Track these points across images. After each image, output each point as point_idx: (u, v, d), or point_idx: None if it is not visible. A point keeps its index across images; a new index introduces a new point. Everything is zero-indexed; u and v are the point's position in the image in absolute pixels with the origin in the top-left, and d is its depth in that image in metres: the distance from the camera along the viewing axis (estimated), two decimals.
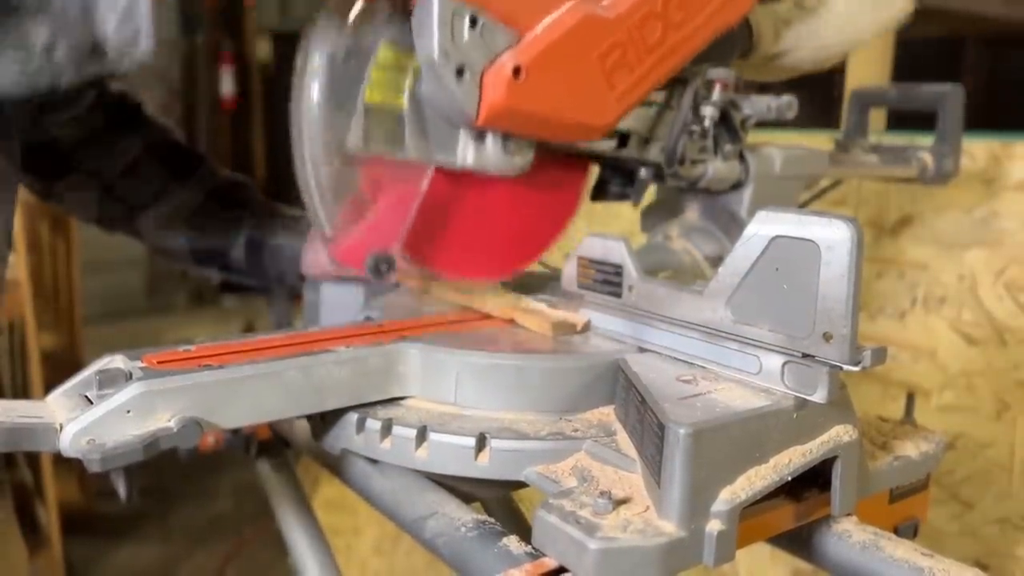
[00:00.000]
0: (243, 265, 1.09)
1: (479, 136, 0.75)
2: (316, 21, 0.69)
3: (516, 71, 0.69)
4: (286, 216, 1.09)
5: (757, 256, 0.61)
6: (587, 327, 0.78)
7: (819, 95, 1.88)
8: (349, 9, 0.69)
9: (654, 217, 1.02)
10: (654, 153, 0.87)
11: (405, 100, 0.73)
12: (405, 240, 0.74)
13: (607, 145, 0.82)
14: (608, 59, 0.74)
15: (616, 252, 0.75)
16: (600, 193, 0.94)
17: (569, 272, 0.81)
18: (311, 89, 0.69)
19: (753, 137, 0.95)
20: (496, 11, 0.68)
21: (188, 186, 1.08)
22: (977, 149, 1.36)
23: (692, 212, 0.98)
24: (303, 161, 0.70)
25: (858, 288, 0.56)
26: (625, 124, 0.82)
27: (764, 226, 0.60)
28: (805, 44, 0.94)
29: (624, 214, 1.71)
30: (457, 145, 0.76)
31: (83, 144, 1.04)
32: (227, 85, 5.80)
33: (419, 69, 0.71)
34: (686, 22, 0.78)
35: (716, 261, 0.93)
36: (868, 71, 1.70)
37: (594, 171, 0.92)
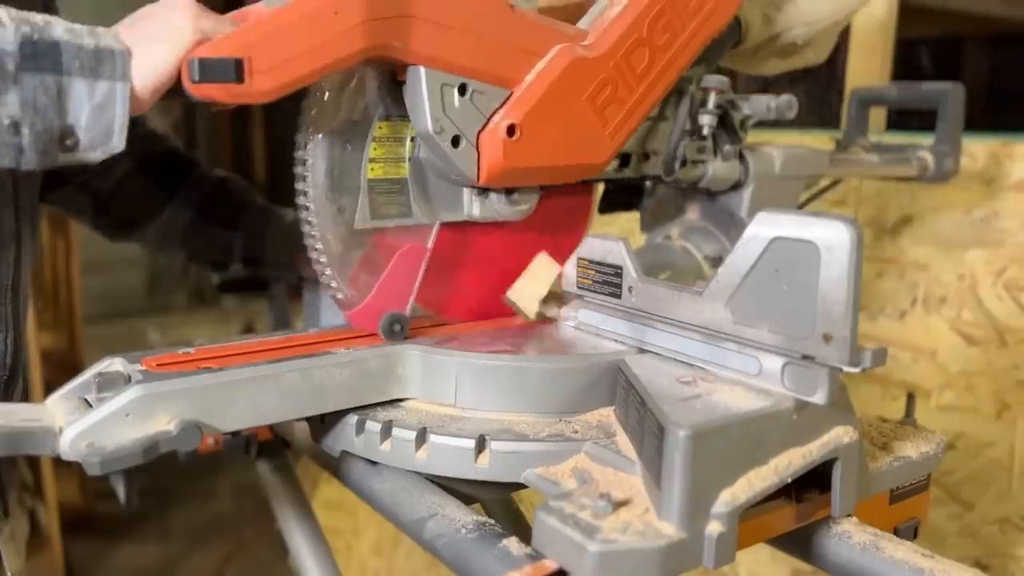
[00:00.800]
0: (243, 273, 1.10)
1: (483, 191, 0.77)
2: (310, 110, 0.70)
3: (510, 130, 0.71)
4: (280, 219, 1.08)
5: (757, 257, 0.61)
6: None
7: (819, 94, 1.88)
8: (342, 89, 0.70)
9: (654, 217, 1.01)
10: (654, 167, 0.87)
11: (407, 168, 0.75)
12: (417, 295, 0.75)
13: (610, 167, 0.83)
14: (599, 97, 0.75)
15: (616, 253, 0.75)
16: (608, 206, 0.95)
17: (569, 273, 0.81)
18: (315, 187, 0.70)
19: (753, 137, 0.95)
20: (483, 75, 0.70)
21: (178, 202, 1.08)
22: (977, 149, 1.36)
23: (692, 212, 0.98)
24: (311, 234, 0.72)
25: (858, 289, 0.55)
26: (624, 147, 0.82)
27: (764, 227, 0.60)
28: (796, 21, 0.94)
29: (624, 214, 1.71)
30: (462, 202, 0.77)
31: None
32: None
33: (415, 135, 0.73)
34: (672, 41, 0.79)
35: (716, 261, 0.93)
36: (868, 70, 1.70)
37: (599, 189, 0.93)
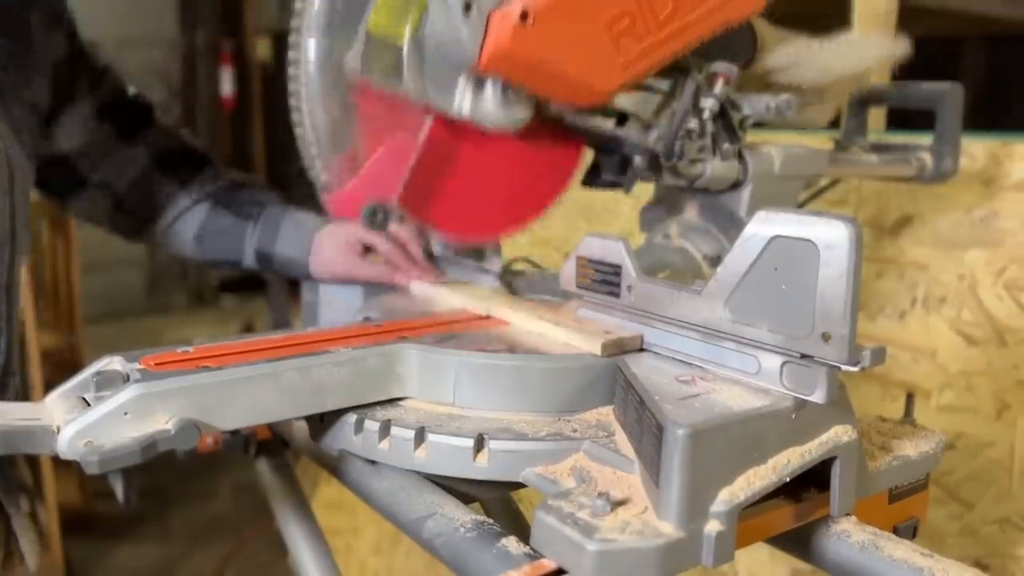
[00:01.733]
0: (255, 269, 1.10)
1: (478, 84, 0.74)
2: None
3: (524, 15, 0.68)
4: (291, 220, 1.08)
5: (756, 256, 0.61)
6: (640, 343, 0.74)
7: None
8: None
9: (653, 216, 1.01)
10: (652, 139, 0.86)
11: (407, 36, 0.72)
12: (402, 192, 0.73)
13: (606, 124, 0.82)
14: (617, 25, 0.74)
15: (615, 252, 0.75)
16: (593, 178, 0.93)
17: (568, 272, 0.81)
18: (309, 36, 0.68)
19: (753, 137, 0.94)
20: None
21: (193, 195, 1.08)
22: (977, 149, 1.36)
23: (691, 212, 0.98)
24: (300, 108, 0.69)
25: (857, 288, 0.55)
26: (625, 105, 0.81)
27: (763, 226, 0.60)
28: (807, 62, 0.94)
29: (624, 213, 1.71)
30: (455, 90, 0.75)
31: (91, 155, 1.05)
32: (227, 85, 5.79)
33: (426, 5, 0.71)
34: (696, 6, 0.78)
35: (715, 261, 0.93)
36: None
37: (588, 156, 0.91)
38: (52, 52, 0.95)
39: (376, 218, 0.70)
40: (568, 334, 0.75)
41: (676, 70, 0.84)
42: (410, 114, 0.74)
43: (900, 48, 1.04)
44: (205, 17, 5.81)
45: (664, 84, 0.85)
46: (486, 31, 0.69)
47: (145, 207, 1.09)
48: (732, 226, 0.93)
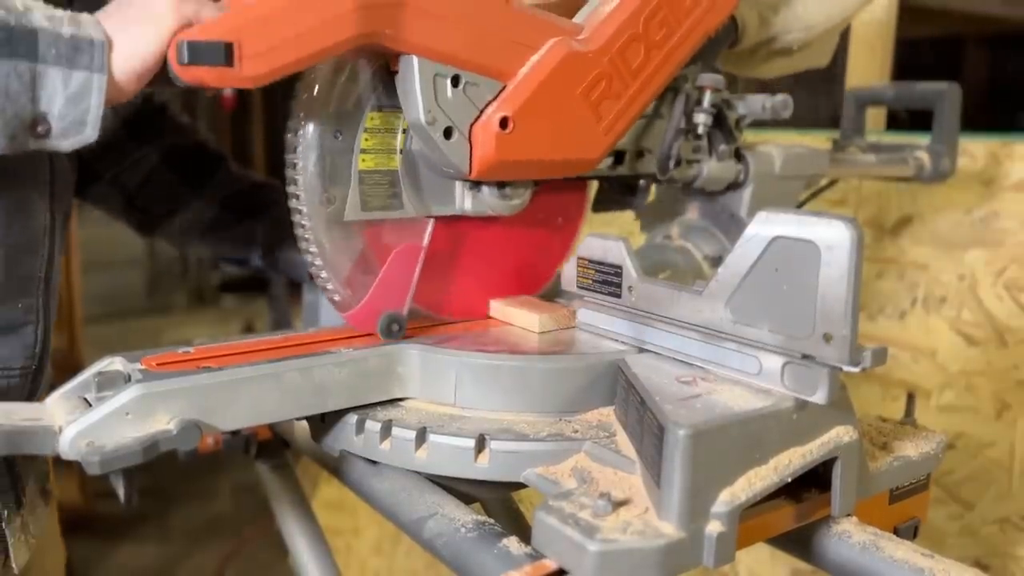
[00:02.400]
0: (263, 268, 1.10)
1: (475, 185, 0.76)
2: (301, 98, 0.70)
3: (503, 123, 0.70)
4: None
5: (757, 257, 0.61)
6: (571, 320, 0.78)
7: (821, 95, 1.88)
8: (334, 78, 0.70)
9: (654, 217, 1.01)
10: (649, 165, 0.87)
11: (398, 159, 0.74)
12: (415, 296, 0.75)
13: (604, 164, 0.83)
14: (593, 93, 0.75)
15: (616, 252, 0.75)
16: (602, 204, 0.94)
17: (569, 272, 0.81)
18: (305, 177, 0.70)
19: (753, 137, 0.94)
20: (477, 67, 0.69)
21: (203, 195, 1.08)
22: (977, 149, 1.36)
23: (692, 212, 0.98)
24: (304, 236, 0.72)
25: (858, 288, 0.55)
26: (618, 143, 0.81)
27: (764, 227, 0.60)
28: (793, 24, 0.94)
29: (624, 214, 1.71)
30: (454, 196, 0.77)
31: (105, 153, 1.05)
32: None
33: (406, 126, 0.73)
34: (668, 38, 0.79)
35: (716, 261, 0.93)
36: (868, 70, 1.70)
37: (594, 185, 0.92)
38: None
39: (392, 330, 0.72)
40: (520, 314, 0.79)
41: (664, 90, 0.84)
42: (412, 220, 0.76)
43: None
44: None
45: (651, 106, 0.85)
46: (471, 145, 0.71)
47: (156, 204, 1.09)
48: (733, 226, 0.93)
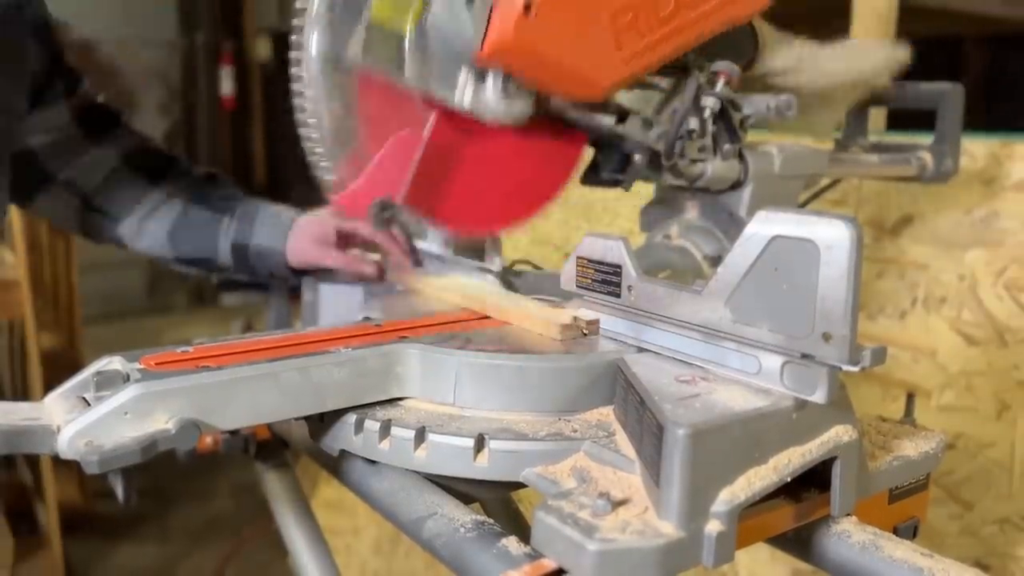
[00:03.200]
0: (231, 267, 1.09)
1: (480, 75, 0.74)
2: None
3: (527, 7, 0.68)
4: (267, 211, 1.08)
5: (756, 256, 0.61)
6: (595, 327, 0.78)
7: None
8: None
9: (653, 216, 1.01)
10: (653, 137, 0.86)
11: (410, 27, 0.72)
12: (407, 189, 0.73)
13: (606, 120, 0.82)
14: (620, 19, 0.74)
15: (615, 252, 0.75)
16: (592, 177, 0.93)
17: (569, 272, 0.81)
18: (311, 31, 0.68)
19: (753, 137, 0.94)
20: None
21: (165, 190, 1.08)
22: (977, 149, 1.36)
23: (692, 211, 0.98)
24: (304, 107, 0.69)
25: (858, 288, 0.55)
26: (626, 102, 0.81)
27: (763, 226, 0.60)
28: (806, 66, 0.94)
29: (624, 213, 1.71)
30: (457, 82, 0.75)
31: (59, 154, 1.05)
32: (227, 85, 5.79)
33: None
34: (699, 3, 0.78)
35: (715, 261, 0.93)
36: None
37: (588, 153, 0.91)
38: (33, 60, 0.95)
39: (383, 215, 0.71)
40: (532, 321, 0.78)
41: (678, 68, 0.84)
42: (414, 110, 0.74)
43: (903, 55, 1.04)
44: (205, 17, 5.81)
45: (665, 82, 0.85)
46: (489, 21, 0.69)
47: (115, 205, 1.08)
48: (732, 226, 0.93)
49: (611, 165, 0.91)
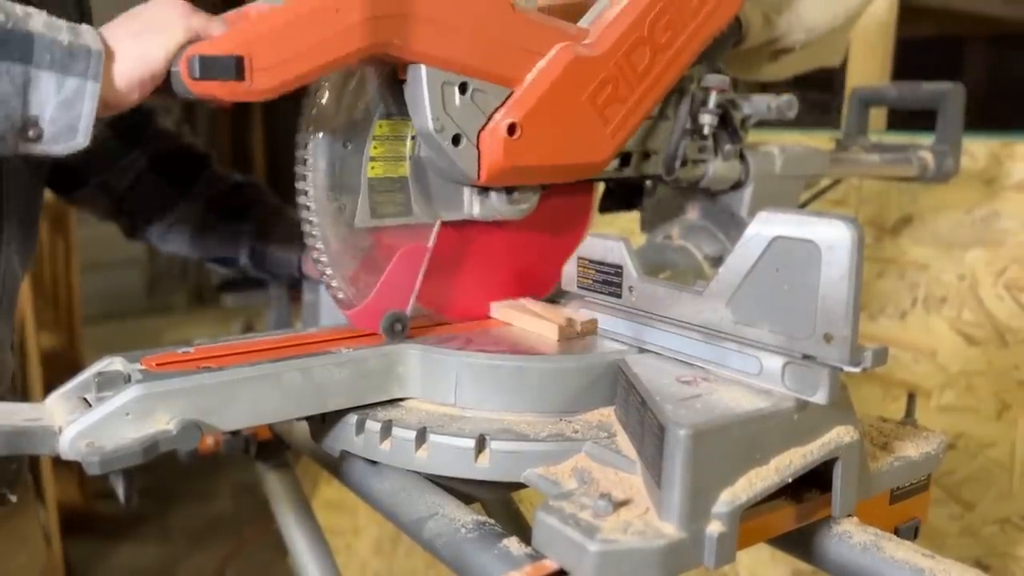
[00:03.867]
0: (251, 270, 1.10)
1: (483, 190, 0.77)
2: (309, 108, 0.70)
3: (511, 129, 0.71)
4: (288, 218, 1.09)
5: (758, 257, 0.61)
6: (593, 327, 0.78)
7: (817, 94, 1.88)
8: (342, 87, 0.70)
9: (654, 217, 1.01)
10: (655, 166, 0.87)
11: (407, 166, 0.75)
12: (418, 294, 0.75)
13: (610, 166, 0.83)
14: (599, 96, 0.75)
15: (616, 252, 0.75)
16: (608, 206, 0.95)
17: (569, 272, 0.81)
18: (315, 186, 0.70)
19: (753, 137, 0.94)
20: (484, 74, 0.70)
21: (189, 197, 1.09)
22: (977, 149, 1.36)
23: (692, 212, 0.98)
24: (312, 234, 0.72)
25: (859, 289, 0.55)
26: (624, 145, 0.82)
27: (765, 226, 0.60)
28: (796, 25, 0.94)
29: (624, 214, 1.71)
30: (462, 201, 0.77)
31: (92, 158, 1.05)
32: None
33: (414, 132, 0.73)
34: (674, 40, 0.79)
35: (716, 261, 0.93)
36: (869, 71, 1.70)
37: (600, 187, 0.92)
38: None
39: (395, 329, 0.72)
40: (531, 321, 0.78)
41: (670, 92, 0.84)
42: (419, 225, 0.77)
43: None
44: None
45: (657, 108, 0.85)
46: (479, 152, 0.71)
47: (143, 209, 1.09)
48: (733, 226, 0.93)
49: (622, 193, 0.94)
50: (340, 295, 0.74)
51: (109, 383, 0.63)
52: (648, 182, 0.90)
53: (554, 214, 0.85)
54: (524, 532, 0.57)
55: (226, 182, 1.12)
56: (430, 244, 0.76)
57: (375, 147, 0.73)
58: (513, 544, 0.57)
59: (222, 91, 0.59)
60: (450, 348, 0.71)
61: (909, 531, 0.71)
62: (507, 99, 0.71)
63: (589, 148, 0.77)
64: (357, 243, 0.73)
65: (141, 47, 0.60)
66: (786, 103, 0.89)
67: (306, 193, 0.71)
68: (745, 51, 0.95)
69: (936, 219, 1.40)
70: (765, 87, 1.02)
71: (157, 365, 0.65)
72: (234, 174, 1.15)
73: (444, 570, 0.60)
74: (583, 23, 0.77)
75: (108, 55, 0.59)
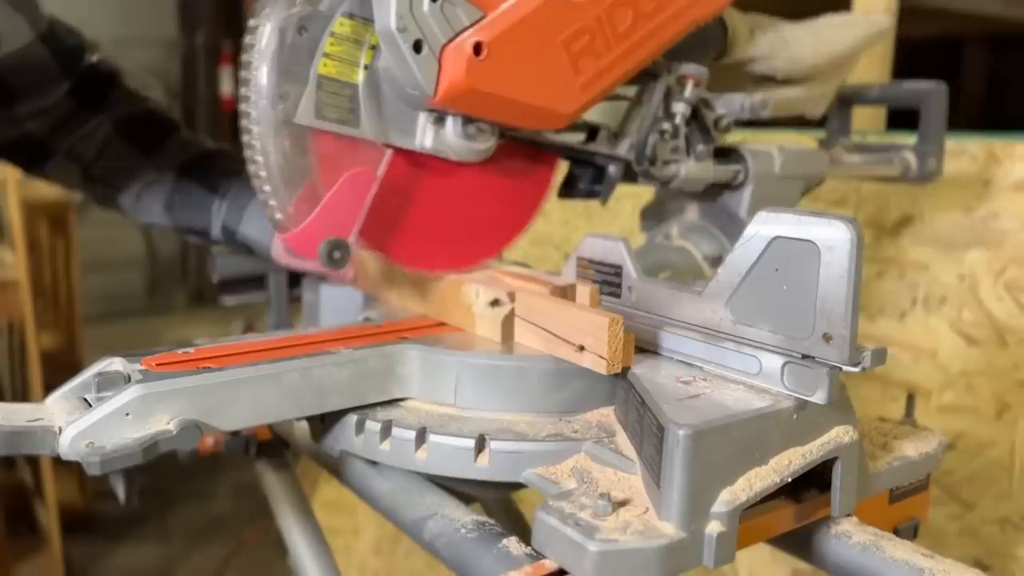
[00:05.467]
0: (223, 243, 1.08)
1: (438, 118, 0.73)
2: None
3: (477, 48, 0.67)
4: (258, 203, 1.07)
5: (757, 257, 0.61)
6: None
7: None
8: None
9: (654, 217, 1.01)
10: (624, 149, 0.85)
11: (361, 75, 0.71)
12: (361, 227, 0.71)
13: (575, 138, 0.81)
14: (575, 44, 0.72)
15: (616, 252, 0.75)
16: (569, 190, 0.91)
17: (569, 272, 0.81)
18: (259, 68, 0.66)
19: (753, 137, 0.94)
20: None
21: (158, 162, 1.07)
22: (977, 149, 1.36)
23: (692, 212, 0.98)
24: (252, 144, 0.67)
25: (858, 289, 0.55)
26: (594, 117, 0.79)
27: (764, 226, 0.60)
28: (779, 52, 0.92)
29: (624, 213, 1.71)
30: (415, 127, 0.73)
31: (57, 127, 1.04)
32: (227, 85, 5.80)
33: (378, 43, 0.69)
34: (657, 12, 0.76)
35: (716, 261, 0.93)
36: (868, 71, 1.70)
37: (563, 167, 0.89)
38: (19, 38, 0.93)
39: (334, 256, 0.67)
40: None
41: (644, 74, 0.82)
42: (368, 146, 0.72)
43: (883, 22, 1.03)
44: (205, 17, 5.81)
45: (632, 91, 0.83)
46: (440, 67, 0.67)
47: (112, 174, 1.07)
48: (733, 226, 0.93)
49: (586, 178, 0.90)
50: (277, 215, 0.69)
51: (109, 383, 0.63)
52: (612, 168, 0.87)
53: (510, 178, 0.81)
54: (524, 532, 0.58)
55: (196, 148, 1.10)
56: (380, 173, 0.72)
57: (331, 44, 0.69)
58: (513, 544, 0.57)
59: None
60: (450, 348, 0.71)
61: (909, 531, 0.72)
62: (478, 22, 0.68)
63: (556, 95, 0.73)
64: (298, 152, 0.68)
65: None
66: (760, 103, 0.88)
67: (248, 82, 0.66)
68: (728, 69, 0.93)
69: (936, 219, 1.40)
70: None
71: (157, 365, 0.65)
72: (205, 140, 1.12)
73: (444, 570, 0.60)
74: None
75: None
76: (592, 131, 0.83)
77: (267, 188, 0.68)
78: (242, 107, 0.68)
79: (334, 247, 0.68)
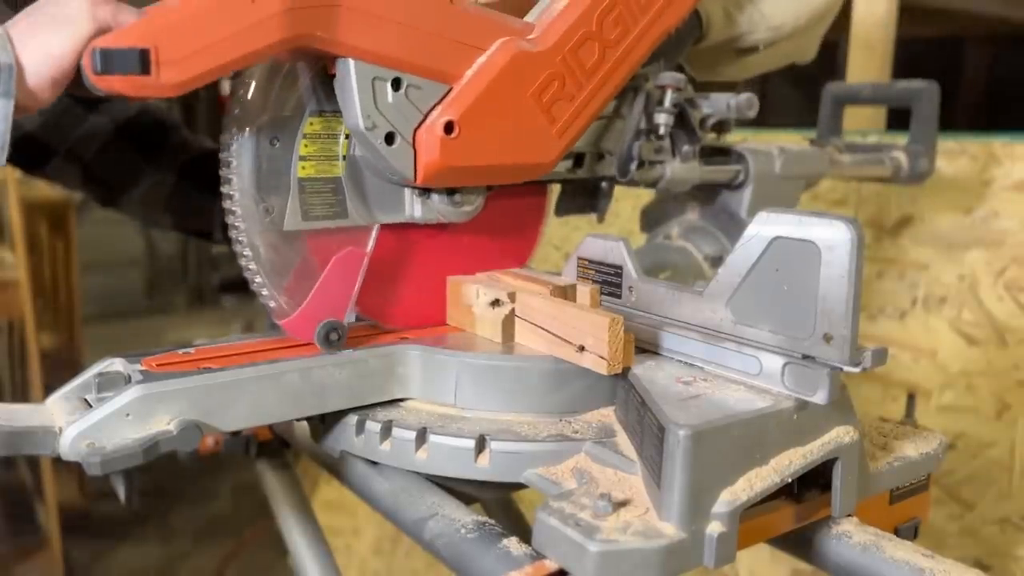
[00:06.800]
0: (226, 245, 1.08)
1: (424, 191, 0.73)
2: (234, 102, 0.67)
3: (448, 127, 0.67)
4: None
5: (757, 257, 0.61)
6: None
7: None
8: (270, 81, 0.67)
9: (654, 217, 1.01)
10: (609, 167, 0.85)
11: (341, 166, 0.71)
12: (357, 302, 0.71)
13: (562, 167, 0.80)
14: (545, 94, 0.72)
15: (616, 252, 0.75)
16: (564, 208, 0.91)
17: (569, 273, 0.81)
18: (240, 189, 0.67)
19: (753, 137, 0.94)
20: (419, 69, 0.66)
21: (158, 164, 1.06)
22: (977, 149, 1.36)
23: (692, 212, 0.98)
24: (239, 239, 0.68)
25: (859, 289, 0.55)
26: (576, 145, 0.78)
27: (764, 227, 0.60)
28: (759, 23, 0.92)
29: (624, 214, 1.71)
30: (402, 202, 0.74)
31: (59, 128, 1.03)
32: (227, 84, 5.79)
33: (348, 131, 0.70)
34: (624, 36, 0.76)
35: (716, 261, 0.93)
36: (868, 70, 1.70)
37: (555, 189, 0.89)
38: None
39: (331, 339, 0.68)
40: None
41: (622, 89, 0.81)
42: (356, 227, 0.73)
43: None
44: None
45: (611, 106, 0.82)
46: (415, 151, 0.68)
47: (113, 176, 1.07)
48: (733, 226, 0.93)
49: (579, 196, 0.90)
50: (272, 304, 0.70)
51: (109, 384, 0.63)
52: (604, 183, 0.87)
53: (504, 216, 0.81)
54: (524, 532, 0.57)
55: (196, 148, 1.09)
56: (368, 248, 0.72)
57: (305, 145, 0.69)
58: (513, 544, 0.57)
59: (125, 86, 0.55)
60: (450, 348, 0.71)
61: (909, 531, 0.72)
62: (445, 96, 0.68)
63: (534, 148, 0.73)
64: (288, 248, 0.69)
65: (48, 42, 0.56)
66: (746, 102, 0.88)
67: (231, 197, 0.67)
68: (707, 50, 0.92)
69: (936, 219, 1.40)
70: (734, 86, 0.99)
71: (157, 366, 0.65)
72: (205, 140, 1.12)
73: (444, 570, 0.60)
74: (530, 18, 0.74)
75: (17, 63, 0.55)
76: (578, 158, 0.83)
77: (258, 279, 0.69)
78: (228, 212, 0.68)
79: (330, 329, 0.68)
